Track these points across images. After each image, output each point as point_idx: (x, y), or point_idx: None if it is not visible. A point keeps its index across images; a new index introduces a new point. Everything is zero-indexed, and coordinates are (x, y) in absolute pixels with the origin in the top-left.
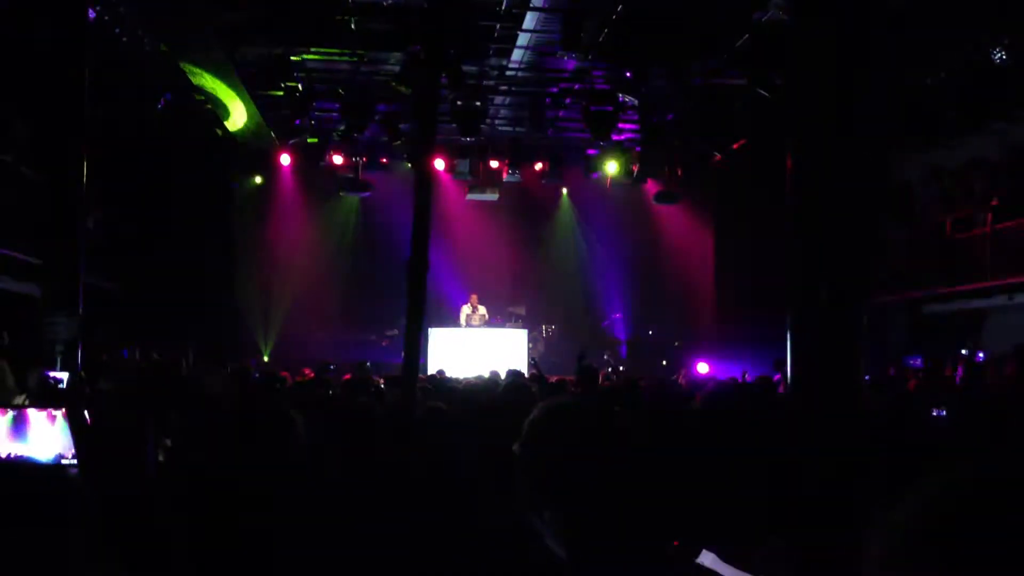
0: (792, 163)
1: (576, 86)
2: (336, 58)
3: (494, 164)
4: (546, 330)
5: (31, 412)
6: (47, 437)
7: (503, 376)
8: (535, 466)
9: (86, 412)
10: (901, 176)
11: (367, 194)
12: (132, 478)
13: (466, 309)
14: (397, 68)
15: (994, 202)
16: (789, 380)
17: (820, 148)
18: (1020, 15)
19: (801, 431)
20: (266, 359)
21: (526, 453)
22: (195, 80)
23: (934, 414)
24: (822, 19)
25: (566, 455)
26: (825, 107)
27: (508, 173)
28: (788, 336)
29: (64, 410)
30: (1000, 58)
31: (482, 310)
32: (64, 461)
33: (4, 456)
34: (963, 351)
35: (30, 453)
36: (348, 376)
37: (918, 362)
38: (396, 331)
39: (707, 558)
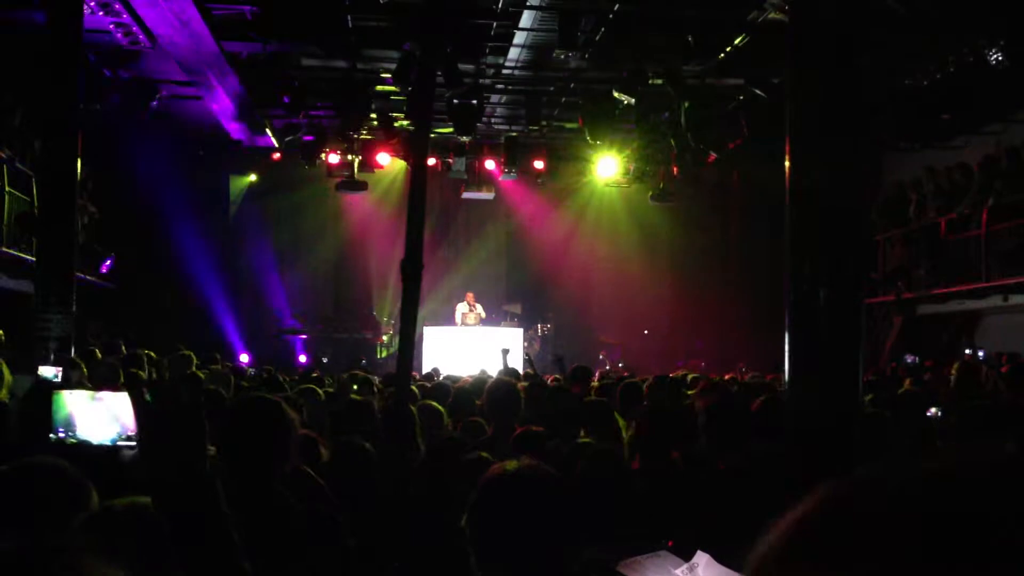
0: (790, 162)
1: (573, 85)
2: (331, 56)
3: (490, 163)
4: (541, 329)
5: (88, 395)
6: (103, 420)
7: (494, 375)
8: (475, 538)
9: (145, 394)
10: (896, 177)
11: (363, 193)
12: (191, 461)
13: (462, 307)
14: (393, 66)
15: (989, 203)
16: (787, 379)
17: (818, 148)
18: (1016, 17)
19: (799, 431)
20: (257, 358)
21: (469, 527)
22: None
23: (929, 415)
24: (819, 18)
25: (500, 534)
26: (822, 107)
27: (504, 172)
28: (786, 336)
29: (126, 392)
30: (996, 60)
31: (478, 308)
32: (120, 443)
33: (61, 439)
34: (968, 351)
35: (87, 436)
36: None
37: (912, 360)
38: (392, 329)
39: (702, 559)
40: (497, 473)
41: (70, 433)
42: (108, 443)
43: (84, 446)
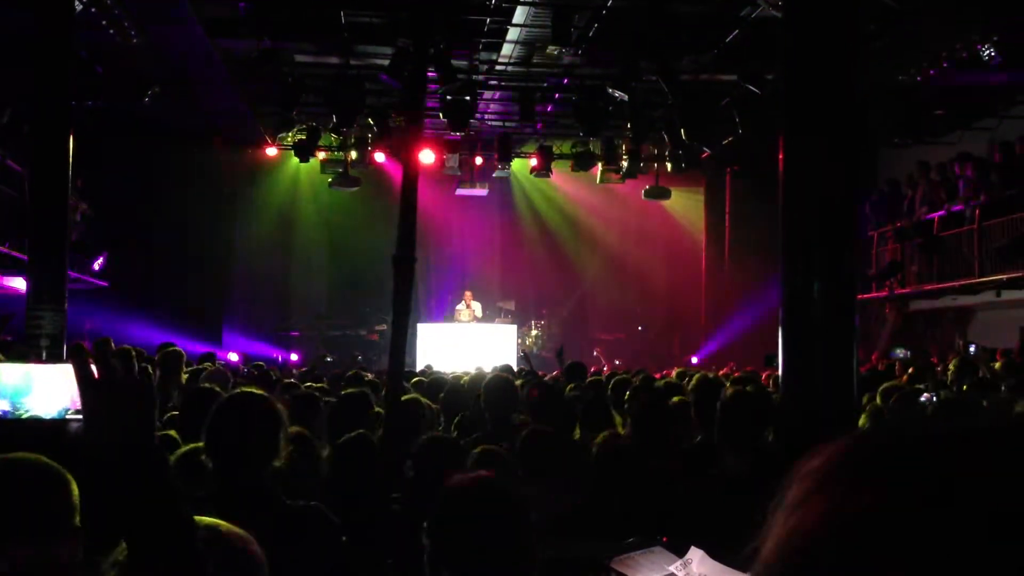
0: (784, 158)
1: (566, 81)
2: (325, 51)
3: (482, 159)
4: (536, 325)
5: (37, 367)
6: (52, 392)
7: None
8: (439, 552)
9: (93, 368)
10: (889, 172)
11: (356, 188)
12: (138, 435)
13: (460, 306)
14: (386, 62)
15: (982, 199)
16: (781, 376)
17: (811, 144)
18: (1009, 13)
19: (793, 427)
20: (251, 355)
21: (432, 542)
22: None
23: (923, 399)
24: (813, 13)
25: (455, 547)
26: (816, 103)
27: (497, 167)
28: (780, 332)
29: (71, 364)
30: (989, 56)
31: (474, 307)
32: (68, 416)
33: (6, 411)
34: (970, 345)
35: (34, 408)
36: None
37: (905, 353)
38: (385, 326)
39: (696, 555)
40: (454, 486)
41: (16, 407)
42: (56, 416)
43: (31, 420)
